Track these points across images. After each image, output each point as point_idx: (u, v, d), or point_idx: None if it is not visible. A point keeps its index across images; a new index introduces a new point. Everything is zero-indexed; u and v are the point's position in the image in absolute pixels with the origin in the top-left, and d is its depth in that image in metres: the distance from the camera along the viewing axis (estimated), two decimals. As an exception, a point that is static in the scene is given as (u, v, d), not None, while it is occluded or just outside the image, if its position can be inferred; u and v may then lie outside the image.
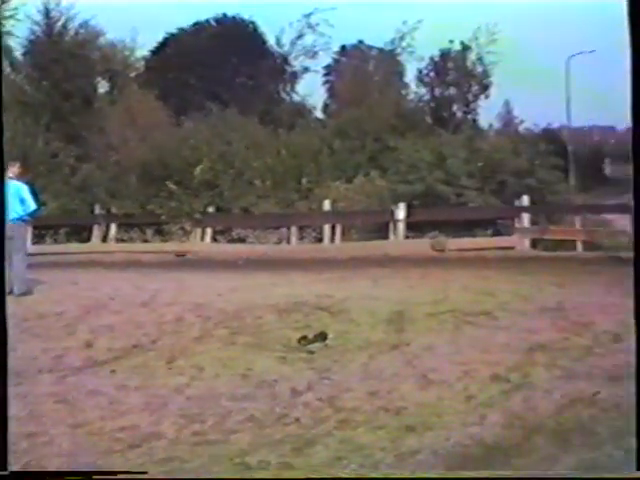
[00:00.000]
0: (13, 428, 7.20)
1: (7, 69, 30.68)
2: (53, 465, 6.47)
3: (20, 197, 14.78)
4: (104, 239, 23.65)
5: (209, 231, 23.06)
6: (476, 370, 8.60)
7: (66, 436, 7.04)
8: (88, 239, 23.90)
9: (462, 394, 7.86)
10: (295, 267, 17.62)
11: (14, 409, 7.67)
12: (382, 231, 22.20)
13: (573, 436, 6.68)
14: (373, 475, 6.24)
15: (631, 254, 15.43)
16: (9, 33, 30.34)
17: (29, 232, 20.03)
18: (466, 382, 8.23)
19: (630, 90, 6.29)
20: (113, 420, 7.41)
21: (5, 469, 6.25)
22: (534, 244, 20.76)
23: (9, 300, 13.46)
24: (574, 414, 7.20)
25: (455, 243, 20.32)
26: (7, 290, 13.66)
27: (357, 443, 6.70)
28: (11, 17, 29.84)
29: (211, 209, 23.32)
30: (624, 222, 20.09)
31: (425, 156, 23.37)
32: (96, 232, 23.77)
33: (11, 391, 8.29)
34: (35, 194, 15.57)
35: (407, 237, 21.89)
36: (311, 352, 9.55)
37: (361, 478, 6.25)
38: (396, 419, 7.23)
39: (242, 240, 22.69)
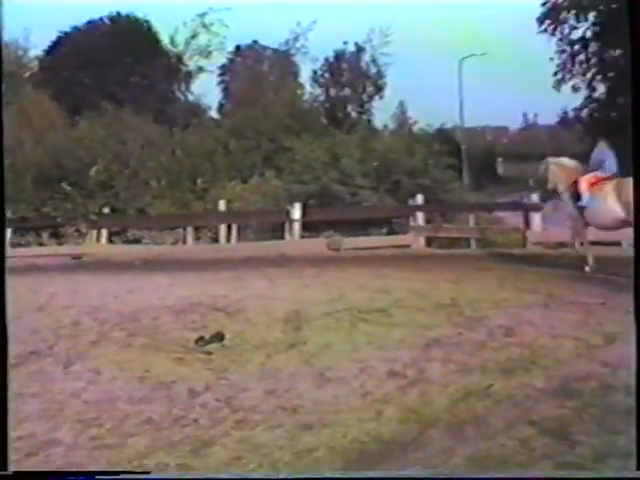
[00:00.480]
0: None
1: None
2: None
3: None
4: None
5: (105, 232, 22.78)
6: (373, 367, 8.70)
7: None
8: (-19, 244, 23.42)
9: (359, 391, 7.95)
10: (191, 268, 17.54)
11: None
12: (278, 231, 22.21)
13: (467, 428, 6.82)
14: (373, 475, 6.29)
15: (523, 251, 15.76)
16: None
17: None
18: (363, 379, 8.32)
19: (630, 91, 6.42)
20: (10, 430, 7.31)
21: (5, 469, 6.16)
22: (429, 242, 21.01)
23: None
24: (468, 407, 7.35)
25: (351, 242, 20.46)
26: None
27: (255, 442, 6.73)
28: None
29: (107, 210, 23.04)
30: (516, 219, 20.55)
31: (320, 156, 23.44)
32: (-10, 237, 23.31)
33: None
34: None
35: (303, 237, 21.94)
36: (208, 353, 9.55)
37: (362, 478, 6.30)
38: (293, 417, 7.28)
39: (138, 241, 22.47)
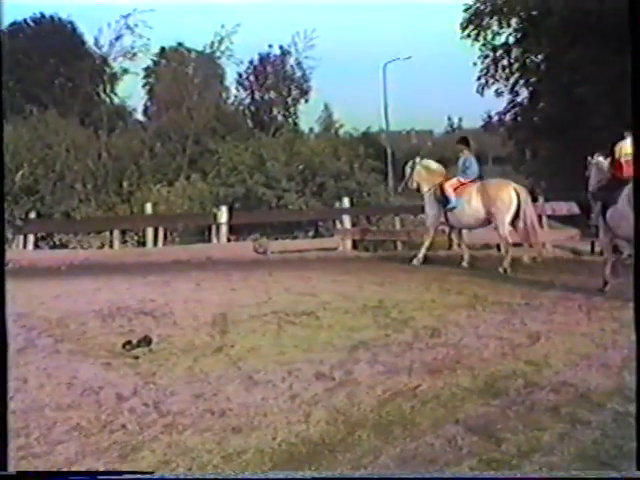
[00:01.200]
0: None
1: None
2: None
3: None
4: None
5: (31, 238, 22.54)
6: (300, 369, 8.74)
7: None
8: None
9: (287, 393, 7.99)
10: (118, 271, 17.42)
11: None
12: (204, 234, 22.19)
13: (395, 428, 6.91)
14: (375, 475, 6.32)
15: (448, 252, 15.94)
16: None
17: None
18: (291, 381, 8.36)
19: (630, 90, 6.52)
20: None
21: (5, 469, 6.07)
22: (355, 245, 21.14)
23: None
24: (396, 407, 7.44)
25: (277, 245, 20.52)
26: None
27: (184, 446, 6.74)
28: None
29: (33, 215, 22.78)
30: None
31: (245, 159, 23.45)
32: None
33: None
34: None
35: (229, 240, 21.93)
36: (136, 357, 9.51)
37: (362, 478, 6.32)
38: (222, 421, 7.30)
39: (65, 246, 22.23)
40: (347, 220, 21.79)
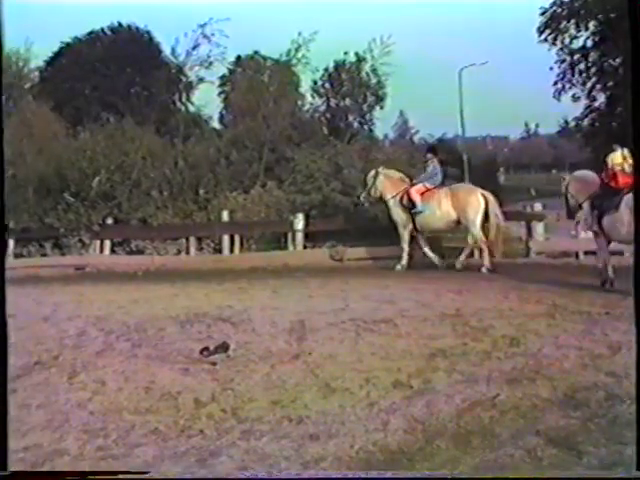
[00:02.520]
0: None
1: None
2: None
3: None
4: (1, 255, 23.18)
5: (108, 243, 22.78)
6: (378, 377, 8.71)
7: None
8: (-16, 255, 23.41)
9: (364, 401, 7.96)
10: (195, 278, 17.53)
11: None
12: (280, 241, 22.19)
13: (474, 438, 6.82)
14: (374, 475, 6.30)
15: (525, 260, 15.74)
16: None
17: None
18: (368, 389, 8.33)
19: (630, 91, 6.43)
20: (16, 440, 7.30)
21: (5, 469, 6.16)
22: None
23: None
24: (474, 417, 7.35)
25: (353, 252, 20.43)
26: None
27: (262, 453, 6.75)
28: None
29: (109, 221, 23.02)
30: (518, 229, 20.51)
31: (321, 166, 23.39)
32: (-8, 247, 23.28)
33: None
34: None
35: (305, 247, 21.92)
36: (214, 363, 9.55)
37: (362, 478, 6.30)
38: (299, 428, 7.29)
39: (141, 252, 22.41)
40: (423, 227, 21.62)
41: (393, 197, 19.08)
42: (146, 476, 6.44)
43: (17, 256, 22.76)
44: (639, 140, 6.67)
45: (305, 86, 31.40)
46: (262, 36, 30.06)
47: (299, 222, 21.88)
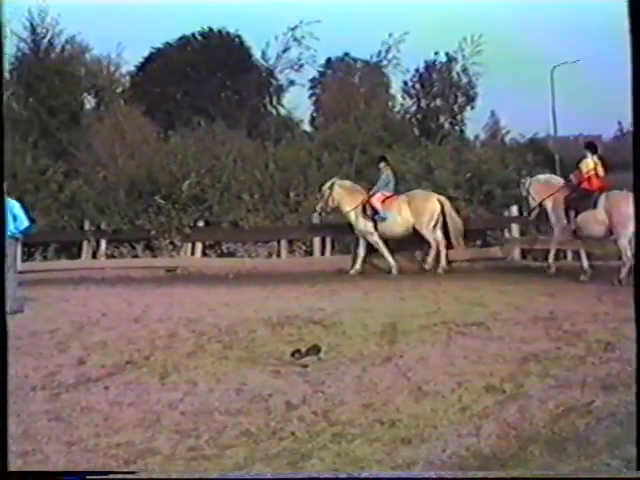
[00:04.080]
0: (7, 448, 7.21)
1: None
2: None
3: (12, 214, 14.85)
4: (94, 255, 23.52)
5: (199, 245, 23.02)
6: (470, 381, 8.62)
7: (61, 454, 7.03)
8: (78, 255, 23.77)
9: (457, 405, 7.87)
10: (286, 280, 17.60)
11: (8, 428, 7.67)
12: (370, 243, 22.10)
13: (569, 445, 6.69)
14: (374, 475, 6.26)
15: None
16: (-6, 49, 30.28)
17: (19, 249, 20.05)
18: (460, 393, 8.24)
19: (631, 91, 6.32)
20: (108, 437, 7.40)
21: (5, 469, 6.25)
22: (524, 254, 20.74)
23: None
24: (569, 423, 7.21)
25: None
26: None
27: (353, 456, 6.70)
28: (-4, 33, 29.80)
29: (201, 223, 23.24)
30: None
31: (412, 168, 23.26)
32: (86, 248, 23.62)
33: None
34: (26, 210, 15.60)
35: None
36: (305, 366, 9.55)
37: (362, 478, 6.27)
38: (391, 431, 7.23)
39: (232, 254, 22.58)
40: (515, 229, 21.40)
41: (354, 209, 20.05)
42: (140, 476, 6.46)
43: (108, 257, 23.14)
44: (639, 140, 6.52)
45: (396, 87, 31.36)
46: (352, 38, 30.12)
47: (389, 223, 21.86)
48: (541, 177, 18.67)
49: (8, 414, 6.66)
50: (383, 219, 19.61)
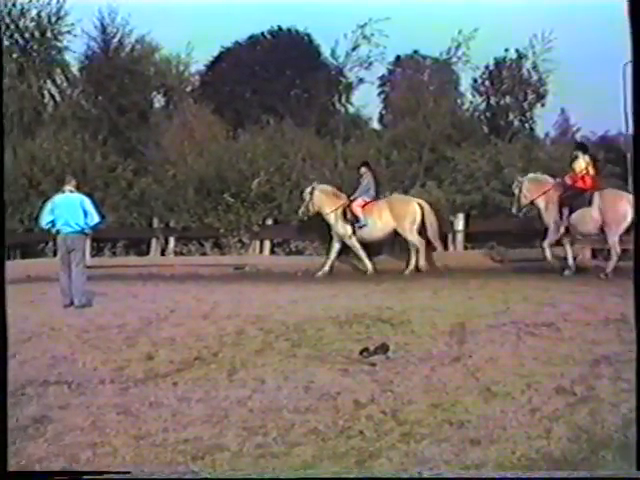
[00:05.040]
0: (76, 438, 7.30)
1: (64, 84, 31.10)
2: (117, 476, 6.53)
3: (83, 209, 15.08)
4: (163, 252, 23.75)
5: (267, 243, 23.10)
6: (540, 382, 8.51)
7: (129, 447, 7.11)
8: (147, 252, 24.04)
9: (526, 407, 7.79)
10: (354, 279, 17.57)
11: (77, 419, 7.77)
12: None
13: (643, 451, 6.56)
14: (374, 475, 6.27)
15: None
16: (66, 48, 30.76)
17: (88, 245, 20.33)
18: (530, 394, 8.15)
19: (631, 90, 6.22)
20: (176, 432, 7.45)
21: (5, 469, 6.30)
22: (594, 254, 20.42)
23: (69, 312, 13.68)
24: (643, 428, 7.07)
25: (514, 254, 20.10)
26: (67, 302, 14.02)
27: (421, 456, 6.67)
28: (68, 32, 30.26)
29: (269, 221, 23.31)
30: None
31: (482, 166, 23.07)
32: (154, 245, 23.87)
33: (73, 401, 8.42)
34: (97, 206, 15.80)
35: (466, 248, 21.71)
36: (373, 364, 9.52)
37: (362, 478, 6.26)
38: (460, 432, 7.18)
39: (300, 252, 22.62)
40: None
41: (333, 211, 20.44)
42: (133, 476, 6.45)
43: (177, 254, 23.32)
44: (639, 140, 6.38)
45: (465, 84, 31.16)
46: (421, 35, 29.94)
47: (459, 222, 21.75)
48: (534, 176, 19.10)
49: (7, 416, 6.66)
50: (363, 225, 20.11)
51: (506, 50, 29.24)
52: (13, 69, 29.13)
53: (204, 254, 23.29)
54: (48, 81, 30.90)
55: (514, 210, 19.11)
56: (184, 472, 6.56)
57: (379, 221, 20.04)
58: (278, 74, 32.17)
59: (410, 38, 30.88)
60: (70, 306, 14.60)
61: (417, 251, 19.71)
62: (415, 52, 33.85)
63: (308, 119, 28.11)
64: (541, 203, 18.42)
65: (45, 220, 15.31)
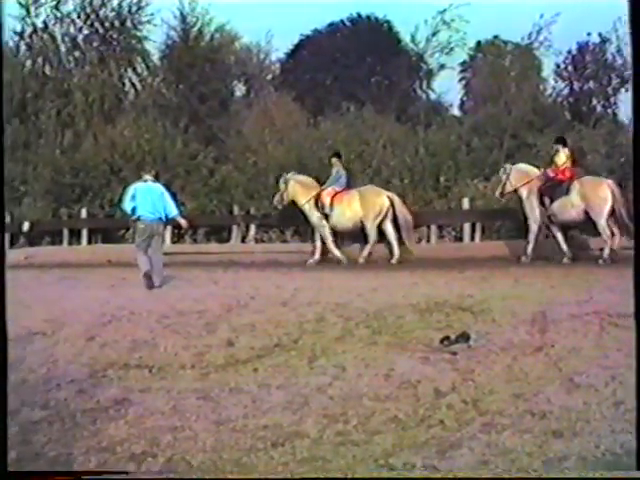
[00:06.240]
0: (157, 421, 7.38)
1: (144, 72, 31.50)
2: (197, 461, 6.58)
3: (164, 200, 15.53)
4: (243, 239, 23.84)
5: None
6: (624, 375, 8.28)
7: (210, 432, 7.17)
8: (227, 239, 24.16)
9: (610, 399, 7.66)
10: (435, 266, 17.43)
11: (157, 403, 7.86)
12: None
13: None
14: (375, 475, 6.24)
15: None
16: (146, 38, 31.17)
17: (169, 232, 20.60)
18: (614, 387, 8.00)
19: (631, 90, 6.09)
20: (256, 418, 7.50)
21: (5, 469, 6.36)
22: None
23: (149, 297, 13.85)
24: None
25: (597, 242, 19.75)
26: (150, 284, 14.43)
27: (503, 447, 6.60)
28: (148, 22, 30.66)
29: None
30: None
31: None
32: (235, 232, 23.96)
33: (154, 385, 8.52)
34: (175, 195, 16.07)
35: (547, 237, 21.40)
36: (454, 353, 9.44)
37: (362, 478, 6.24)
38: (542, 423, 7.10)
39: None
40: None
41: (307, 201, 20.47)
42: (133, 476, 6.43)
43: (257, 241, 23.41)
44: (639, 140, 6.18)
45: (547, 70, 30.85)
46: (502, 20, 29.74)
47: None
48: (522, 166, 19.58)
49: (7, 416, 6.68)
50: (328, 214, 20.24)
51: (589, 34, 28.88)
52: (94, 57, 29.61)
53: (284, 241, 23.34)
54: (129, 69, 31.36)
55: (497, 194, 19.76)
56: (184, 472, 6.56)
57: (348, 210, 20.22)
58: (358, 61, 32.17)
59: (491, 23, 30.71)
60: (153, 288, 14.97)
61: (389, 242, 20.10)
62: (496, 37, 33.60)
63: (388, 105, 28.07)
64: (524, 192, 18.89)
65: (129, 206, 15.70)
